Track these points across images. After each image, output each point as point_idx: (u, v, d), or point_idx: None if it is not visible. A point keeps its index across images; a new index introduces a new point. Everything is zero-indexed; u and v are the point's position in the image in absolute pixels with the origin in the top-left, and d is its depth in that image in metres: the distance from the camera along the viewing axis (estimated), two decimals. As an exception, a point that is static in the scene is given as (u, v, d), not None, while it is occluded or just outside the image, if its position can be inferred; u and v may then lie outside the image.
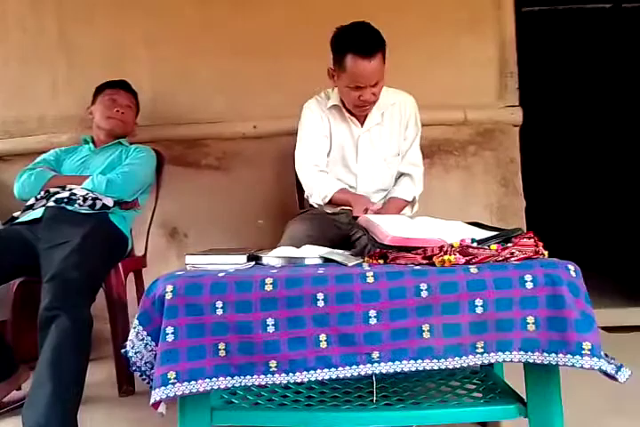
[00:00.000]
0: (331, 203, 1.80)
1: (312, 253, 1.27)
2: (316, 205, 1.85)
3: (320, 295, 1.02)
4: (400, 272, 1.05)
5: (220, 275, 1.08)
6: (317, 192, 1.80)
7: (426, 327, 1.01)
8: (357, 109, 1.80)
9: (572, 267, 1.06)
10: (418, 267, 1.10)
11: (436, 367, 1.00)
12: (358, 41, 1.62)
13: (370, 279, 1.04)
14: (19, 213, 1.86)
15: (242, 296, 1.03)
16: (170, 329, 1.01)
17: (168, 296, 1.03)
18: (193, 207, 2.47)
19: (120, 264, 1.86)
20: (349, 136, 1.87)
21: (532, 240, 1.19)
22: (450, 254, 1.07)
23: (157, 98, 2.44)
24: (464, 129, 2.41)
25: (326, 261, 1.25)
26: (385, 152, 1.89)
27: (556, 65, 4.12)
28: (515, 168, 2.40)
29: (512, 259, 1.11)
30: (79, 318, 1.44)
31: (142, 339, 1.07)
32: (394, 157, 1.90)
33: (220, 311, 1.02)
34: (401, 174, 1.92)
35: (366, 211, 1.58)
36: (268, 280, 1.04)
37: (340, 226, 1.83)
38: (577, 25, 4.12)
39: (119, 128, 2.10)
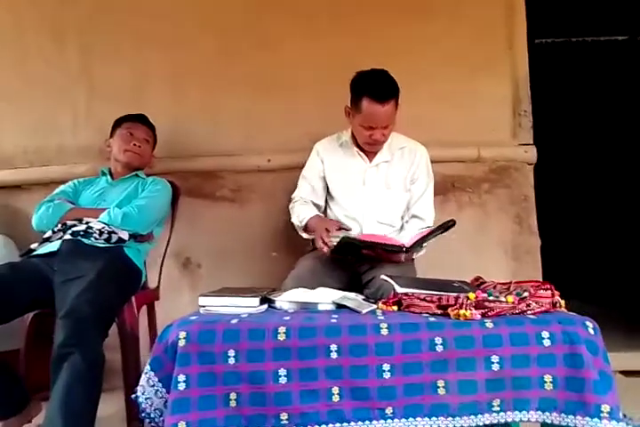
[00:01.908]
0: (307, 230, 1.89)
1: (325, 299, 1.26)
2: (299, 232, 1.95)
3: (333, 347, 1.02)
4: (415, 324, 1.04)
5: (234, 322, 1.08)
6: (296, 217, 1.92)
7: (441, 383, 1.00)
8: (368, 146, 1.92)
9: (590, 324, 1.04)
10: (432, 319, 1.09)
11: (450, 426, 0.98)
12: (375, 87, 1.76)
13: (384, 331, 1.03)
14: (36, 244, 1.88)
15: (254, 345, 1.02)
16: (182, 377, 1.01)
17: (181, 343, 1.03)
18: (207, 238, 2.47)
19: (133, 298, 1.86)
20: (357, 170, 1.96)
21: (549, 292, 1.18)
22: (466, 309, 1.06)
23: (175, 130, 2.47)
24: (478, 166, 2.41)
25: (339, 306, 1.24)
26: (392, 187, 1.95)
27: (570, 99, 4.12)
28: (529, 206, 2.39)
29: (529, 312, 1.10)
30: (92, 356, 1.44)
31: (153, 385, 1.07)
32: (401, 193, 1.96)
33: (232, 360, 1.02)
34: (412, 216, 1.96)
35: (324, 242, 1.68)
36: (281, 329, 1.04)
37: (349, 265, 1.84)
38: (591, 58, 4.12)
39: (136, 161, 2.13)
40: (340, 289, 1.78)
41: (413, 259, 1.92)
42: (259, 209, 2.46)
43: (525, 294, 1.20)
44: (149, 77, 2.50)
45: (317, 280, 1.70)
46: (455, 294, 1.15)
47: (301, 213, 1.91)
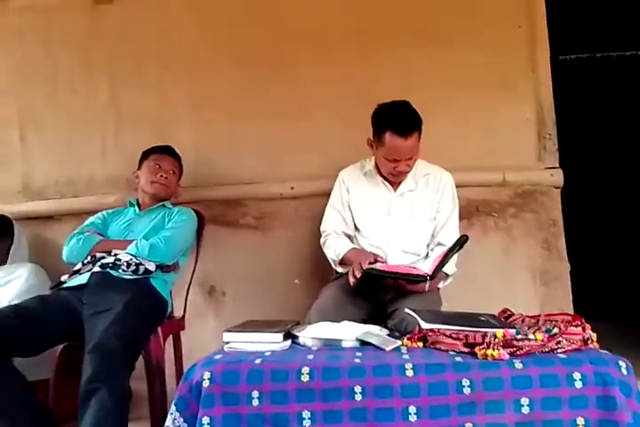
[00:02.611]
0: (343, 263, 1.89)
1: (349, 335, 1.25)
2: (333, 266, 1.93)
3: (358, 388, 1.00)
4: (441, 365, 1.02)
5: (257, 362, 1.08)
6: (332, 251, 1.91)
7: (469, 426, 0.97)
8: (392, 177, 1.92)
9: (622, 364, 1.01)
10: (459, 358, 1.06)
11: (480, 471, 0.95)
12: (397, 120, 1.76)
13: (409, 372, 1.01)
14: (66, 277, 1.93)
15: (278, 387, 1.02)
16: (206, 419, 1.01)
17: (205, 384, 1.03)
18: (231, 266, 2.49)
19: (160, 329, 1.88)
20: (382, 200, 1.95)
21: (580, 328, 1.15)
22: (493, 348, 1.04)
23: (200, 159, 2.51)
24: (503, 190, 2.38)
25: (363, 343, 1.23)
26: (418, 216, 1.93)
27: (594, 117, 4.04)
28: (557, 231, 2.34)
29: (559, 350, 1.07)
30: (119, 391, 1.46)
31: (179, 426, 1.07)
32: (426, 222, 1.94)
33: (255, 402, 1.01)
34: (437, 244, 1.93)
35: (360, 267, 1.66)
36: (305, 370, 1.03)
37: (372, 294, 1.83)
38: (616, 73, 4.03)
39: (163, 192, 2.17)
40: (364, 320, 1.79)
41: (439, 288, 1.89)
42: (282, 236, 2.47)
43: (555, 330, 1.17)
44: (174, 107, 2.55)
45: (341, 311, 1.70)
46: (482, 332, 1.12)
47: (338, 246, 1.90)
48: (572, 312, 2.33)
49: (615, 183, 3.93)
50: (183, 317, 2.17)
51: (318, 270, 2.36)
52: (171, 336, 2.08)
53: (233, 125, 2.51)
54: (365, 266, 1.68)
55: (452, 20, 2.40)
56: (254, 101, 2.50)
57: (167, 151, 2.23)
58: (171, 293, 2.10)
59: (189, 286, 2.25)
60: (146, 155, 2.22)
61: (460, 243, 1.63)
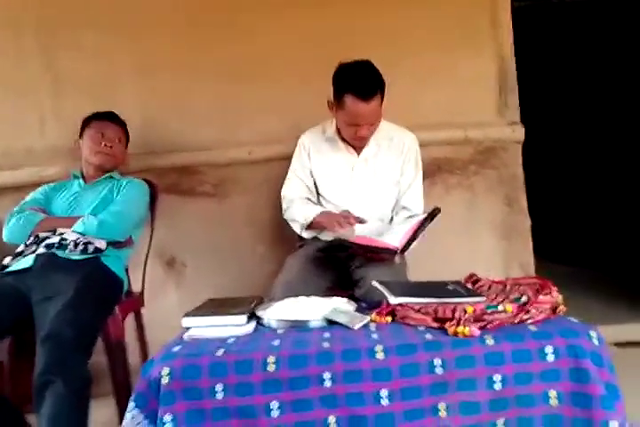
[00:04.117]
0: (312, 227, 1.82)
1: (315, 314, 1.20)
2: (298, 231, 1.87)
3: (327, 375, 0.96)
4: (412, 345, 0.99)
5: (219, 353, 1.01)
6: (300, 215, 1.83)
7: (442, 406, 0.95)
8: (354, 142, 1.84)
9: (593, 334, 0.99)
10: (429, 335, 1.03)
11: (453, 450, 0.94)
12: (358, 83, 1.64)
13: (379, 355, 0.97)
14: (8, 259, 1.79)
15: (243, 378, 0.97)
16: (168, 417, 0.95)
17: (164, 381, 0.97)
18: (190, 236, 2.40)
19: (117, 308, 1.79)
20: (345, 165, 1.88)
21: (549, 296, 1.13)
22: (464, 325, 1.00)
23: (149, 125, 2.35)
24: (465, 148, 2.34)
25: (330, 322, 1.18)
26: (381, 181, 1.87)
27: (552, 69, 3.98)
28: (518, 186, 2.34)
29: (529, 321, 1.05)
30: (76, 382, 1.38)
31: (139, 423, 1.01)
32: (390, 187, 1.88)
33: (220, 395, 0.96)
34: (401, 208, 1.89)
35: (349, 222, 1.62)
36: (270, 359, 0.98)
37: (338, 261, 1.79)
38: (573, 19, 3.95)
39: (109, 163, 2.02)
40: (329, 288, 1.77)
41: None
42: (241, 203, 2.39)
43: (524, 298, 1.15)
44: (117, 72, 2.35)
45: (306, 283, 1.66)
46: (452, 305, 1.09)
47: (306, 210, 1.82)
48: (533, 265, 2.38)
49: (575, 136, 3.94)
50: (142, 292, 2.09)
51: (281, 236, 2.31)
52: (132, 313, 2.01)
53: (184, 88, 2.35)
54: (346, 226, 1.62)
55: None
56: (207, 62, 2.33)
57: (110, 117, 2.06)
58: (127, 269, 2.00)
59: (146, 259, 2.16)
60: (87, 122, 2.06)
61: (432, 216, 1.58)
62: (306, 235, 1.87)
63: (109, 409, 1.81)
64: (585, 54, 3.85)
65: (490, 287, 1.34)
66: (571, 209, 3.87)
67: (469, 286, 1.38)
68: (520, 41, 2.38)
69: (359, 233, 1.67)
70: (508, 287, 1.31)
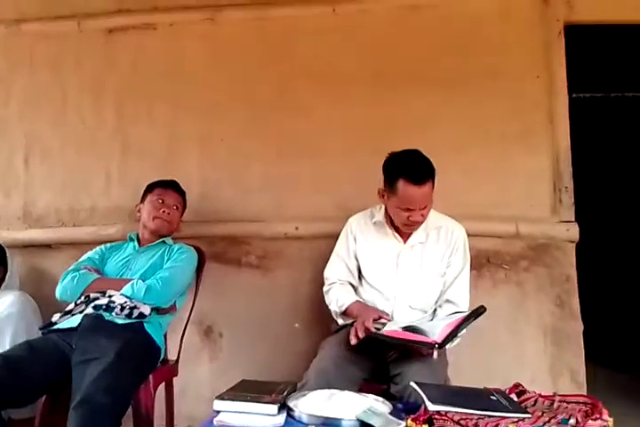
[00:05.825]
0: (346, 315, 1.82)
1: (348, 412, 1.16)
2: (334, 317, 1.86)
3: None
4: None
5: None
6: (335, 302, 1.84)
7: None
8: (405, 227, 1.83)
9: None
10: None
11: None
12: (410, 169, 1.70)
13: (413, 471, 0.92)
14: (57, 316, 1.85)
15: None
16: None
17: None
18: (230, 305, 2.41)
19: (151, 377, 1.79)
20: (391, 251, 1.88)
21: (599, 421, 1.05)
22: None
23: (204, 195, 2.45)
24: (516, 242, 2.29)
25: (363, 424, 1.14)
26: (427, 271, 1.86)
27: (608, 160, 3.92)
28: (571, 288, 2.24)
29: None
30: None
31: None
32: (436, 278, 1.86)
33: None
34: (445, 301, 1.85)
35: (364, 329, 1.60)
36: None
37: (375, 349, 1.74)
38: (631, 114, 3.91)
39: (165, 228, 2.11)
40: (365, 380, 1.71)
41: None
42: (284, 277, 2.40)
43: (572, 421, 1.08)
44: (181, 142, 2.50)
45: (341, 371, 1.61)
46: (494, 421, 1.03)
47: (340, 297, 1.83)
48: (584, 374, 2.22)
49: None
50: (177, 361, 2.08)
51: (320, 315, 2.28)
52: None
53: (241, 163, 2.46)
54: (369, 325, 1.60)
55: (471, 69, 2.36)
56: (264, 140, 2.45)
57: (172, 186, 2.18)
58: (165, 336, 2.01)
59: (185, 327, 2.17)
60: (150, 188, 2.17)
61: (477, 314, 1.55)
62: (341, 321, 1.85)
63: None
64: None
65: (535, 402, 1.27)
66: (627, 312, 3.65)
67: (514, 397, 1.31)
68: (576, 133, 2.38)
69: (401, 324, 1.65)
70: (556, 405, 1.24)
